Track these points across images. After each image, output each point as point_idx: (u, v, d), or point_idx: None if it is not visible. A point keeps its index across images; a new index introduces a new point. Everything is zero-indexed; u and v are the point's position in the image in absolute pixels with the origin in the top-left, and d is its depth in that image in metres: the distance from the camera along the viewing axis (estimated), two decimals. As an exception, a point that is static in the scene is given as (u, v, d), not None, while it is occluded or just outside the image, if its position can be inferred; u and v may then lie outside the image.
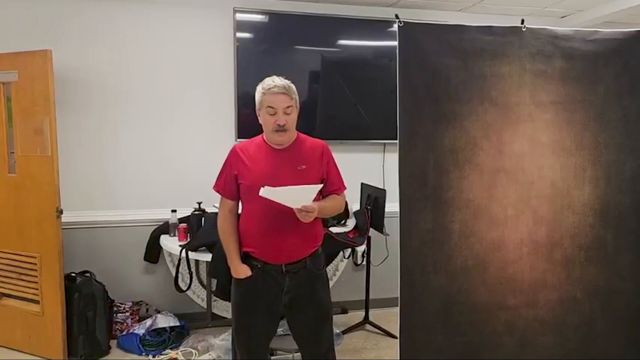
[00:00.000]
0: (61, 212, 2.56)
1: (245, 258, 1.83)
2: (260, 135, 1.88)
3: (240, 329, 1.87)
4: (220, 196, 1.90)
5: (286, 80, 1.79)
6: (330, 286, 1.98)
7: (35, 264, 2.60)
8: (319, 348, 1.89)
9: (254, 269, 1.81)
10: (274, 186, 1.66)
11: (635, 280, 2.07)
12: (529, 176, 1.96)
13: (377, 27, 3.29)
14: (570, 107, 1.99)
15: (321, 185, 1.78)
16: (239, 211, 1.90)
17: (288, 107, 1.76)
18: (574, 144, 2.00)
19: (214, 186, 1.91)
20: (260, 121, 1.83)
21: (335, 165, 1.91)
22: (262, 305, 1.82)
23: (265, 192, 1.63)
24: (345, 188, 1.96)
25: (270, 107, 1.75)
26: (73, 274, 2.72)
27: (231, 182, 1.84)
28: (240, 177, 1.81)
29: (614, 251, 2.05)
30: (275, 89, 1.74)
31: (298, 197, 1.70)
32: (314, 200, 1.74)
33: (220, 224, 1.88)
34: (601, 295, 2.04)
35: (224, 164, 1.88)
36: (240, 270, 1.81)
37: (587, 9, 3.35)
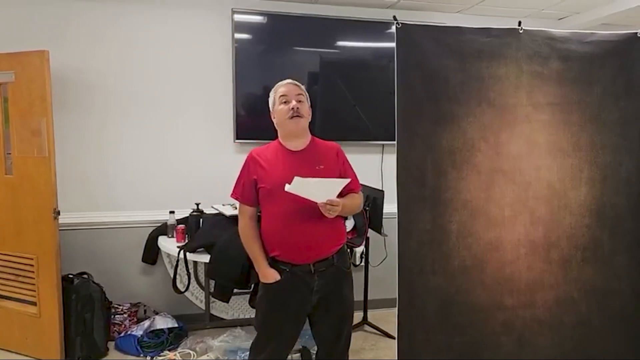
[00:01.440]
0: (58, 213, 2.55)
1: (272, 263, 1.82)
2: (275, 141, 1.90)
3: (268, 333, 1.84)
4: (239, 204, 1.89)
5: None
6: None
7: (33, 266, 2.59)
8: (339, 346, 1.90)
9: (283, 273, 1.79)
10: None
11: (631, 280, 2.09)
12: (526, 177, 1.97)
13: (376, 28, 3.30)
14: (566, 108, 2.00)
15: (349, 180, 1.77)
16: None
17: (299, 94, 1.84)
18: (570, 145, 2.01)
19: (232, 194, 1.89)
20: (275, 123, 1.88)
21: (350, 165, 1.94)
22: (290, 309, 1.81)
23: (294, 184, 1.62)
24: (361, 187, 1.97)
25: (283, 95, 1.83)
26: (70, 276, 2.71)
27: (250, 187, 1.83)
28: (259, 181, 1.81)
29: (611, 251, 2.06)
30: (285, 81, 1.87)
31: (326, 190, 1.70)
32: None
33: (243, 231, 1.86)
34: (598, 295, 2.05)
35: (242, 171, 1.88)
36: (269, 275, 1.79)
37: (584, 11, 3.37)
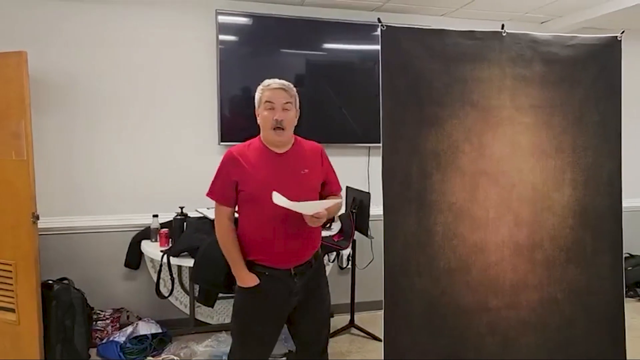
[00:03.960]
0: (37, 217, 2.49)
1: (250, 266, 1.77)
2: (255, 139, 1.81)
3: (248, 339, 1.80)
4: (215, 204, 1.79)
5: (287, 82, 1.79)
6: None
7: (11, 272, 2.52)
8: (320, 346, 1.90)
9: (261, 276, 1.75)
10: (280, 192, 1.61)
11: (613, 280, 2.11)
12: (509, 179, 1.99)
13: (361, 30, 3.30)
14: (549, 110, 2.02)
15: (339, 200, 1.81)
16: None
17: (287, 102, 1.73)
18: (553, 147, 2.03)
19: (209, 193, 1.79)
20: (258, 121, 1.77)
21: (332, 166, 1.91)
22: (270, 313, 1.78)
23: (278, 201, 1.60)
24: (341, 188, 1.97)
25: (268, 101, 1.72)
26: (50, 281, 2.65)
27: (230, 189, 1.75)
28: (241, 184, 1.73)
29: (593, 252, 2.08)
30: (274, 85, 1.75)
31: (311, 208, 1.69)
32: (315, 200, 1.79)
33: (222, 233, 1.78)
34: (581, 295, 2.07)
35: (220, 170, 1.77)
36: (249, 279, 1.74)
37: (566, 14, 3.43)
